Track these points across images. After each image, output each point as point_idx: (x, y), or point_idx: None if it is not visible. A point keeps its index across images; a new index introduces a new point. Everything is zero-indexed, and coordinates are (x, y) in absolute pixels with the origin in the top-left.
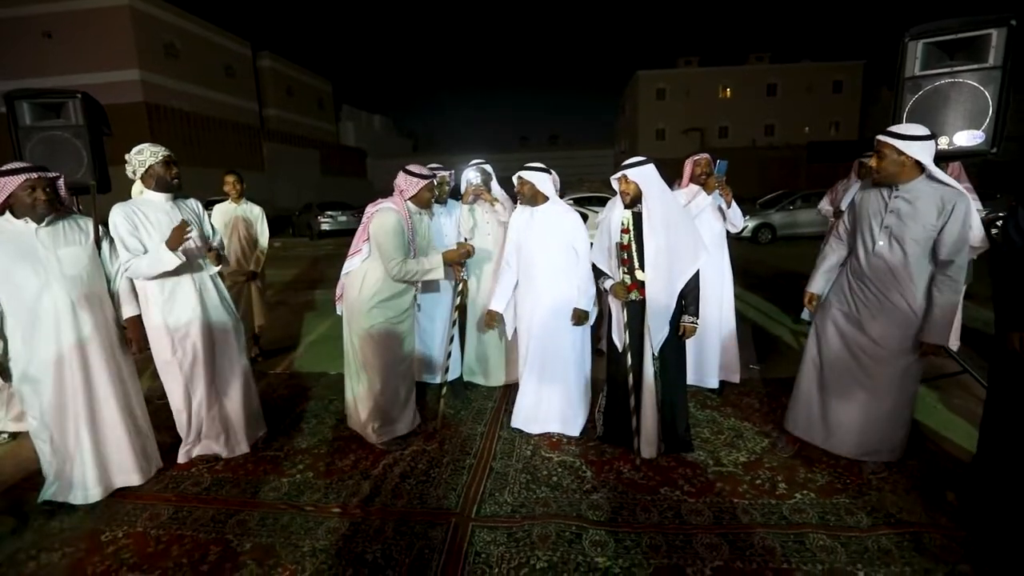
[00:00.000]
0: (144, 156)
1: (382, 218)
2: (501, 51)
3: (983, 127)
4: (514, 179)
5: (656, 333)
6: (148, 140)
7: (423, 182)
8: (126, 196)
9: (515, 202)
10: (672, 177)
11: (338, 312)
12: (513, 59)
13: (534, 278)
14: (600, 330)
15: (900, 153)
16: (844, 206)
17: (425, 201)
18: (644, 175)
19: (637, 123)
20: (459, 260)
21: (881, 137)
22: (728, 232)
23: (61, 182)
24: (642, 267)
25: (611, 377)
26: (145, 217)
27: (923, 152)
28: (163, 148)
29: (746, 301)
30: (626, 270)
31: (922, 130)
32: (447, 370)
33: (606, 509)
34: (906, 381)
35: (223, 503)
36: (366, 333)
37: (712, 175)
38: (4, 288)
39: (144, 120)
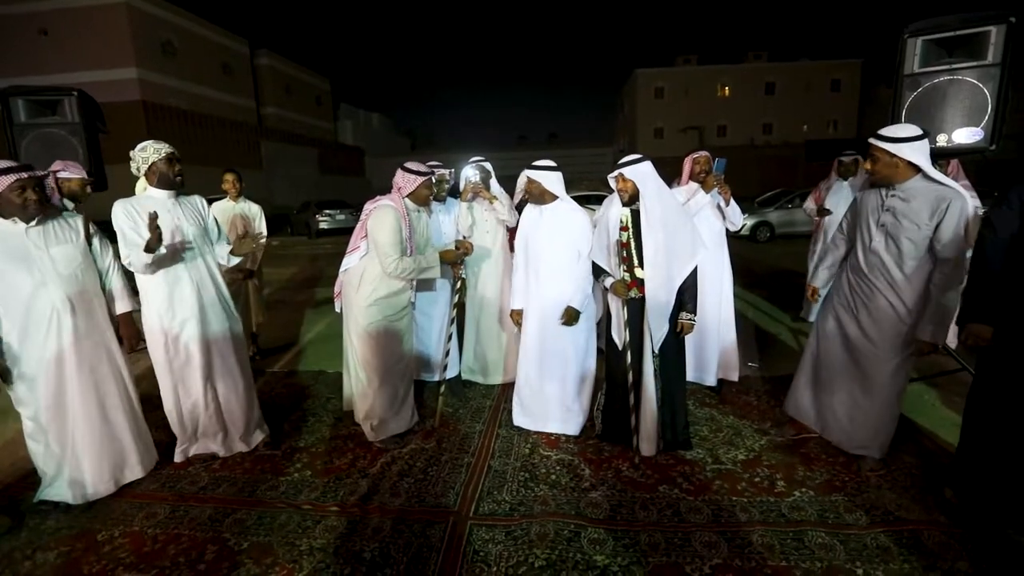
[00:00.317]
0: (147, 153)
1: (380, 215)
2: (500, 50)
3: (982, 124)
4: (521, 177)
5: (656, 330)
6: (145, 139)
7: (421, 179)
8: (123, 194)
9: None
10: (671, 175)
11: (337, 309)
12: (512, 58)
13: (539, 275)
14: (599, 328)
15: (892, 155)
16: (828, 204)
17: (423, 198)
18: (640, 173)
19: (636, 122)
20: (457, 259)
21: (872, 141)
22: (727, 230)
23: (50, 180)
24: (641, 265)
25: (610, 375)
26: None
27: (914, 152)
28: (166, 145)
29: (744, 299)
30: (626, 268)
31: (912, 130)
32: (445, 368)
33: (605, 507)
34: (896, 379)
35: (220, 502)
36: (364, 331)
37: (711, 173)
38: None
39: (141, 118)
